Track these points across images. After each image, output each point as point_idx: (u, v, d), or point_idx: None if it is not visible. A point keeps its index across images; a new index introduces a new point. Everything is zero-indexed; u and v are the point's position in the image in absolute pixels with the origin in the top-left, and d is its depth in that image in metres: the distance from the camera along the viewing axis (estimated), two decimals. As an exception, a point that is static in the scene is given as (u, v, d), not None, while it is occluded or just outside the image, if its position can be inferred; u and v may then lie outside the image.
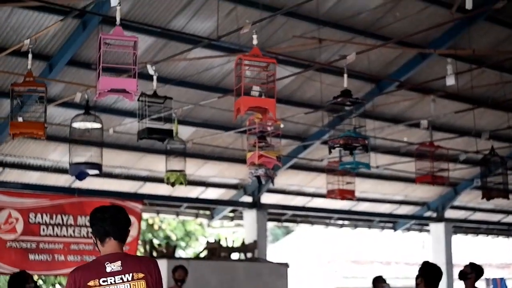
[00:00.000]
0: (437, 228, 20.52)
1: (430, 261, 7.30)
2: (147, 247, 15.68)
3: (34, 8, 10.53)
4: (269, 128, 8.96)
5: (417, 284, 7.11)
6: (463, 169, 17.20)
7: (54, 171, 14.89)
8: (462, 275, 7.91)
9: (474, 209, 21.94)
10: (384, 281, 13.50)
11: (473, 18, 12.00)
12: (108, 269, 4.43)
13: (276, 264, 16.29)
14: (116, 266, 4.44)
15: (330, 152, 8.56)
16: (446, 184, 14.54)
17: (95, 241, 4.60)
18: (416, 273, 7.15)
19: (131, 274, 4.44)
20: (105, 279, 4.41)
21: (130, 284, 4.43)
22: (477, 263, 8.04)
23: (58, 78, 11.79)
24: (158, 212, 18.33)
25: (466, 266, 7.93)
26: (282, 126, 9.38)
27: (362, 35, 12.60)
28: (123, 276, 4.43)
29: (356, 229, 21.67)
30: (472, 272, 7.87)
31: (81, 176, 9.67)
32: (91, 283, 4.40)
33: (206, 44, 11.57)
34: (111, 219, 4.53)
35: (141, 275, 4.46)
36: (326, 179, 13.20)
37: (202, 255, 16.35)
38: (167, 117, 9.27)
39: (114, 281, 4.42)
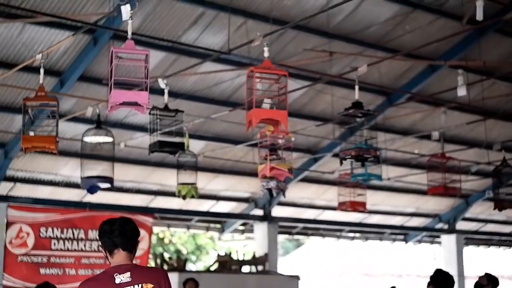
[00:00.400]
0: (449, 240, 20.44)
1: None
2: (158, 260, 15.68)
3: (46, 24, 10.59)
4: (280, 141, 8.97)
5: None
6: (474, 180, 17.15)
7: (65, 186, 14.92)
8: (479, 286, 7.82)
9: (485, 221, 21.85)
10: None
11: (484, 30, 12.01)
12: (117, 281, 4.39)
13: (287, 276, 16.24)
14: (125, 277, 4.41)
15: (341, 163, 8.54)
16: (458, 196, 14.48)
17: (105, 254, 4.60)
18: (428, 281, 7.08)
19: (140, 285, 4.40)
20: None
21: None
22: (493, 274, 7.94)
23: (69, 93, 11.83)
24: (169, 226, 18.32)
25: (482, 278, 7.83)
26: (293, 139, 9.38)
27: (373, 48, 12.62)
28: (132, 287, 4.40)
29: (367, 241, 21.61)
30: (489, 284, 7.77)
31: (92, 189, 9.69)
32: None
33: (217, 59, 11.62)
34: (118, 230, 4.50)
35: (150, 286, 4.42)
36: (337, 191, 13.18)
37: (213, 268, 16.33)
38: (178, 131, 9.29)
39: None
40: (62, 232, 14.22)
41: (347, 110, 8.19)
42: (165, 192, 16.06)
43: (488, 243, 23.33)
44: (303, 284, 16.50)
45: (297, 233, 19.98)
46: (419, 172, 15.47)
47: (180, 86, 12.72)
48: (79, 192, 14.97)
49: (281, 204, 17.67)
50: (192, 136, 12.20)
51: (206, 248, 29.06)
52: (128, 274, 4.44)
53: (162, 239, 27.34)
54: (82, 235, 14.45)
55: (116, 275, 4.43)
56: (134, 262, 4.61)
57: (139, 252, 14.54)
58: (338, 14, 11.82)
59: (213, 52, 10.53)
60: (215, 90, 13.21)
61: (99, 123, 9.73)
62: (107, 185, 9.69)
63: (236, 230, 19.02)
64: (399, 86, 13.86)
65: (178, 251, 27.63)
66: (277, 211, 17.77)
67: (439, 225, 20.74)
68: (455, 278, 18.66)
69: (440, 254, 21.59)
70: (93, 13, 10.33)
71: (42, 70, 7.68)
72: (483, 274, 7.80)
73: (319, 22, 11.75)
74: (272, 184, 9.58)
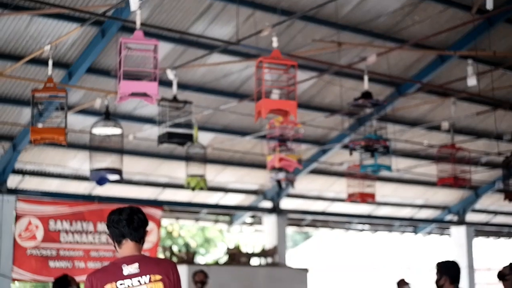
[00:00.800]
0: (458, 232, 20.37)
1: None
2: (167, 253, 15.68)
3: (53, 16, 10.56)
4: (289, 131, 8.95)
5: (440, 285, 6.95)
6: (484, 172, 17.10)
7: (74, 179, 14.92)
8: (501, 276, 7.79)
9: (495, 212, 21.78)
10: (407, 284, 13.46)
11: (494, 20, 11.94)
12: (125, 272, 4.41)
13: (295, 269, 16.23)
14: (133, 268, 4.42)
15: (351, 153, 8.52)
16: (467, 187, 14.42)
17: (113, 244, 4.59)
18: (437, 274, 6.98)
19: (148, 276, 4.41)
20: (122, 281, 4.39)
21: (147, 286, 4.40)
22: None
23: (78, 86, 11.82)
24: (177, 218, 18.32)
25: (505, 267, 7.77)
26: (302, 130, 9.36)
27: (382, 39, 12.56)
28: (140, 278, 4.40)
29: (376, 233, 21.57)
30: (511, 273, 7.73)
31: (101, 181, 9.68)
32: (108, 286, 4.38)
33: (225, 50, 11.56)
34: (126, 220, 4.50)
35: (158, 277, 4.43)
36: (346, 182, 13.15)
37: (222, 261, 16.33)
38: (187, 123, 9.27)
39: (131, 283, 4.39)
40: (71, 225, 14.24)
41: (357, 100, 8.15)
42: (174, 185, 16.06)
43: (498, 234, 23.24)
44: (312, 277, 16.48)
45: (306, 225, 19.96)
46: (429, 163, 15.42)
47: (188, 79, 12.68)
48: (87, 185, 14.98)
49: (290, 196, 17.65)
50: (200, 128, 12.19)
51: (214, 241, 29.08)
52: (136, 265, 4.44)
53: (171, 232, 27.36)
54: (91, 228, 14.46)
55: (124, 266, 4.43)
56: (143, 253, 4.60)
57: (148, 245, 14.54)
58: (346, 5, 11.77)
59: (222, 42, 10.47)
60: (224, 82, 13.18)
61: (108, 115, 9.71)
62: (116, 177, 9.69)
63: (244, 223, 19.01)
64: (409, 77, 13.81)
65: (187, 245, 27.66)
66: (286, 203, 17.75)
67: (449, 217, 20.68)
68: (465, 270, 18.60)
69: (449, 246, 21.52)
70: (101, 4, 10.30)
71: (50, 61, 7.67)
72: (507, 264, 7.73)
73: (327, 12, 11.71)
74: (281, 175, 9.58)
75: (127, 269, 4.41)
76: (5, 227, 13.43)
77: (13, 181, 14.11)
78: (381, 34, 12.59)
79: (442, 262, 7.04)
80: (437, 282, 6.93)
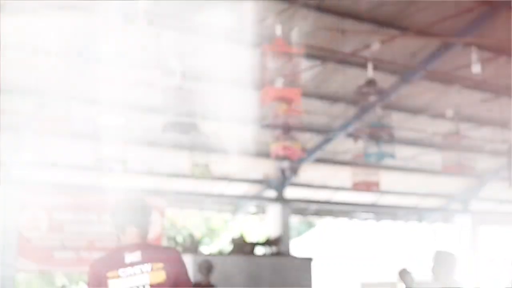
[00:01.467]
0: (463, 220, 20.34)
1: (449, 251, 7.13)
2: (171, 243, 15.70)
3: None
4: (293, 120, 8.94)
5: (436, 273, 6.89)
6: (489, 160, 17.06)
7: (78, 169, 14.90)
8: None
9: (500, 200, 21.72)
10: (409, 273, 13.45)
11: (498, 7, 11.90)
12: (127, 260, 4.42)
13: (300, 258, 16.23)
14: (135, 256, 4.43)
15: (355, 141, 8.51)
16: (472, 175, 14.39)
17: (118, 233, 4.60)
18: (433, 262, 6.95)
19: (150, 265, 4.42)
20: (123, 269, 4.40)
21: (149, 275, 4.40)
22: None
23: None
24: (181, 207, 18.31)
25: None
26: (306, 119, 9.35)
27: (385, 27, 12.51)
28: (142, 266, 4.41)
29: (380, 222, 21.53)
30: None
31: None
32: (109, 274, 4.39)
33: (228, 38, 11.52)
34: (129, 208, 4.55)
35: (160, 265, 4.42)
36: (351, 171, 13.14)
37: (226, 250, 16.34)
38: (192, 112, 9.26)
39: (133, 271, 4.40)
40: (75, 215, 14.24)
41: (361, 88, 8.13)
42: (178, 174, 16.02)
43: (503, 222, 23.18)
44: (316, 265, 16.48)
45: (310, 214, 19.92)
46: (433, 152, 15.38)
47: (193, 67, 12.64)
48: (91, 175, 14.95)
49: (294, 185, 17.61)
50: (204, 117, 12.14)
51: (218, 231, 29.08)
52: (139, 253, 4.45)
53: (175, 223, 27.36)
54: (95, 218, 14.46)
55: (126, 254, 4.45)
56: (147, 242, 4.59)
57: (152, 235, 14.54)
58: (350, -8, 11.74)
59: (225, 31, 10.43)
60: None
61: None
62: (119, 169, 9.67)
63: (248, 212, 19.00)
64: (413, 64, 13.74)
65: (191, 236, 27.66)
66: (290, 193, 17.72)
67: (453, 205, 20.63)
68: (470, 258, 18.54)
69: (454, 234, 21.51)
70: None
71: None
72: None
73: (331, 0, 11.64)
74: (285, 164, 9.57)
75: (129, 257, 4.43)
76: (10, 217, 13.43)
77: (19, 171, 14.09)
78: (385, 22, 12.53)
79: (439, 251, 6.99)
80: (433, 269, 6.90)
